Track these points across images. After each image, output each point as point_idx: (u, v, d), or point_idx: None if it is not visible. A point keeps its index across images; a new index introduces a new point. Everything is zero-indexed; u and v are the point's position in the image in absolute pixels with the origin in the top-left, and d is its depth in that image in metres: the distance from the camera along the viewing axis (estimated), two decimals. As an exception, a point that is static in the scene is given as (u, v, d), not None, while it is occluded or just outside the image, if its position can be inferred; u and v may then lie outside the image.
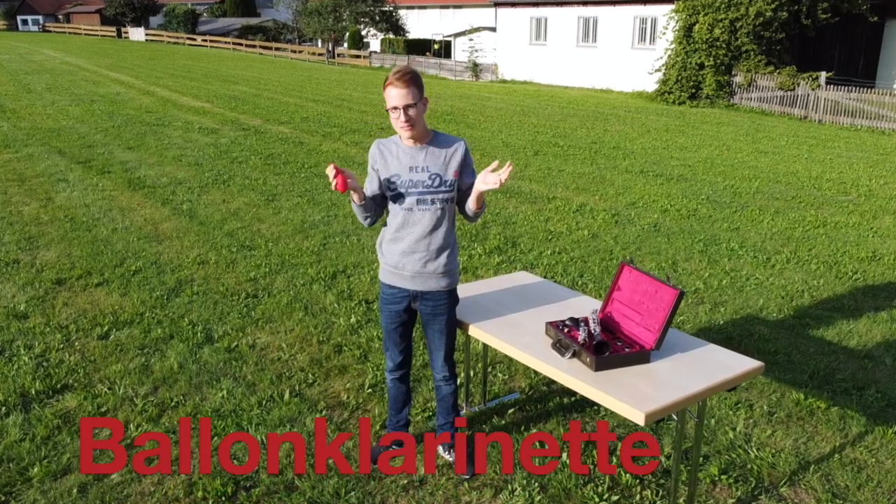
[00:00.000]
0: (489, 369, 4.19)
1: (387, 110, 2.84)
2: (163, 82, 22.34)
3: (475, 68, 30.54)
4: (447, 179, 2.89)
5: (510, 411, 3.73)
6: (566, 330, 2.95)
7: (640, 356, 2.78)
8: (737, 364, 2.80)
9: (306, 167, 9.95)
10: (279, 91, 21.27)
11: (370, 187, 2.96)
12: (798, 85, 18.84)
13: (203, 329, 4.63)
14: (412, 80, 2.78)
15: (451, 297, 3.07)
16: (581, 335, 2.81)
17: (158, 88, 20.43)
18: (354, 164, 9.97)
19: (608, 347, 2.73)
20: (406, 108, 2.78)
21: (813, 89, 18.46)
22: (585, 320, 2.96)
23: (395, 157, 2.90)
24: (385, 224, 3.03)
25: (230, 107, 16.78)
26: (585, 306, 3.33)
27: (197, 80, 23.54)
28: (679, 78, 21.30)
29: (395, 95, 2.77)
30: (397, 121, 2.82)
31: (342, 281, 5.59)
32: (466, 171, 2.95)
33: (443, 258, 2.96)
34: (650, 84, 23.14)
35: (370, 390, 3.91)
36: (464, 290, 3.52)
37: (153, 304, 5.04)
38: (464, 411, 3.72)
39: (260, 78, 26.03)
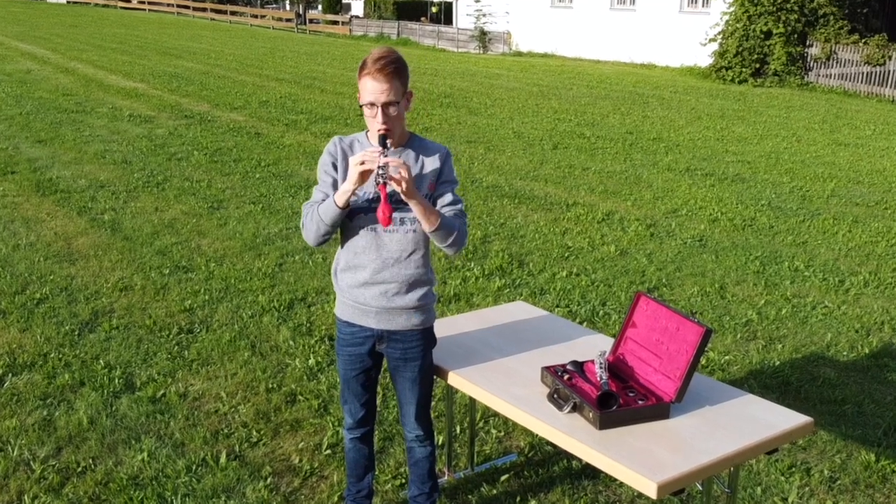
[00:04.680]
0: (480, 424, 4.24)
1: (361, 106, 2.87)
2: (87, 56, 22.55)
3: (483, 38, 30.75)
4: (422, 195, 2.93)
5: (504, 478, 3.77)
6: (566, 377, 3.01)
7: (657, 410, 2.82)
8: (779, 420, 2.84)
9: (263, 165, 10.05)
10: (234, 67, 21.45)
11: (321, 196, 2.96)
12: (890, 58, 18.95)
13: (122, 374, 4.69)
14: (396, 70, 2.81)
15: (425, 337, 3.12)
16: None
17: (81, 64, 20.63)
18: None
19: (616, 400, 2.78)
20: (386, 105, 2.82)
21: (908, 63, 18.57)
22: (590, 365, 3.01)
23: None
24: (341, 245, 3.06)
25: (170, 88, 16.94)
26: (596, 347, 3.38)
27: (130, 54, 23.75)
28: (740, 50, 21.43)
29: (374, 89, 2.80)
30: (373, 119, 2.86)
31: (300, 312, 5.65)
32: (441, 182, 2.99)
33: (415, 291, 3.01)
34: (703, 58, 23.28)
35: (329, 451, 3.96)
36: (443, 326, 3.57)
37: (60, 341, 5.10)
38: (445, 478, 3.76)
39: (210, 51, 26.26)
